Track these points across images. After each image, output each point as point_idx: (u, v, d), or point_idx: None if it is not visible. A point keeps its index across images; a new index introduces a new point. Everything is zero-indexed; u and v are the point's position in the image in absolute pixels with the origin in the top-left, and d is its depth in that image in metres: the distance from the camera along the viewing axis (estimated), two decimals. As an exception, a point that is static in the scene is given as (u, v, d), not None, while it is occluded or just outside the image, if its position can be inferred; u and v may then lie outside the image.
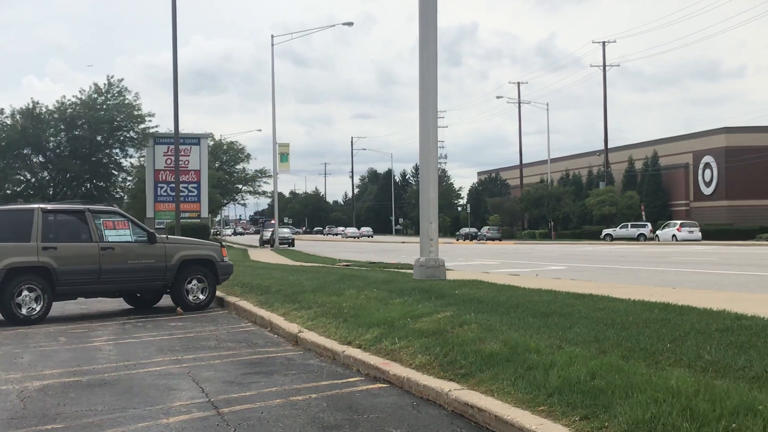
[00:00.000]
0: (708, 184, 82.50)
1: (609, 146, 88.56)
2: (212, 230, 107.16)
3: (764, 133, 79.73)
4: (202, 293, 16.87)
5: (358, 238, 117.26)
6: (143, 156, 60.81)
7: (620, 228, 74.60)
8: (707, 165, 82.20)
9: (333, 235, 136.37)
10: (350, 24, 56.77)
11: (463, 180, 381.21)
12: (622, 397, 5.88)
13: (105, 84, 57.02)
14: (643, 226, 73.00)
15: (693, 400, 5.57)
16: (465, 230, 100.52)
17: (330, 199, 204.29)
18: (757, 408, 5.29)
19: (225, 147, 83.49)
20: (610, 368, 6.75)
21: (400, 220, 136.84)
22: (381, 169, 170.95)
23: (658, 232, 70.93)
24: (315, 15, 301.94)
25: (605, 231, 75.92)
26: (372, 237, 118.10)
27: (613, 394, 6.01)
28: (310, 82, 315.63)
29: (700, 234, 66.28)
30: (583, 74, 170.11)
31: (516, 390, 6.72)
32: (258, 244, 77.93)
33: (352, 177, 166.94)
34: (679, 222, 69.70)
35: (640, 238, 71.56)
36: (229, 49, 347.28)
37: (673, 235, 67.08)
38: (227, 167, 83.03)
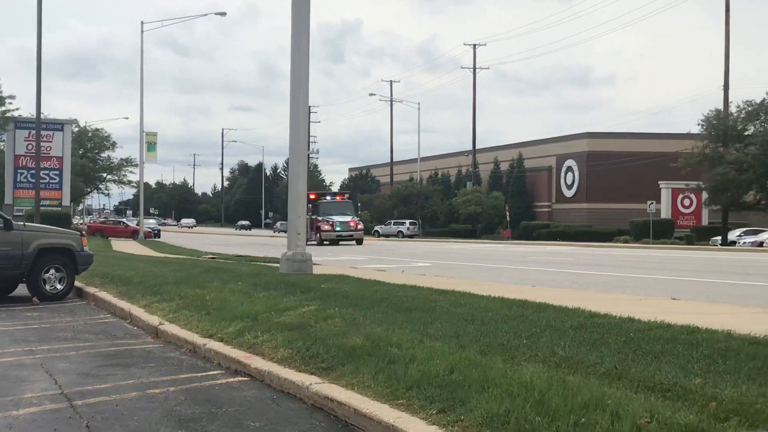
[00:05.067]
0: (570, 187, 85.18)
1: (478, 147, 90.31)
2: (80, 219, 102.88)
3: (624, 139, 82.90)
4: (60, 283, 16.34)
5: (192, 227, 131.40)
6: (2, 141, 58.44)
7: (385, 225, 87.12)
8: (569, 168, 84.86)
9: (168, 225, 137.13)
10: (223, 14, 56.08)
11: (338, 176, 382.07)
12: (478, 391, 5.98)
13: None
14: (402, 223, 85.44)
15: (546, 395, 5.71)
16: (243, 222, 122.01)
17: (199, 191, 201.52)
18: (606, 402, 5.46)
19: (90, 134, 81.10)
20: (468, 363, 6.87)
21: (270, 214, 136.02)
22: (254, 162, 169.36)
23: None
24: (200, 3, 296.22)
25: (375, 228, 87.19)
26: (193, 228, 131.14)
27: (469, 388, 6.11)
28: (190, 72, 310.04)
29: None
30: (460, 75, 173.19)
31: (376, 384, 6.76)
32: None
33: (221, 169, 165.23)
34: (407, 222, 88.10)
35: (399, 234, 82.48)
36: (108, 34, 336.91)
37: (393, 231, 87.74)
38: (92, 155, 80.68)
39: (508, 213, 78.89)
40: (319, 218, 53.95)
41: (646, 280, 20.06)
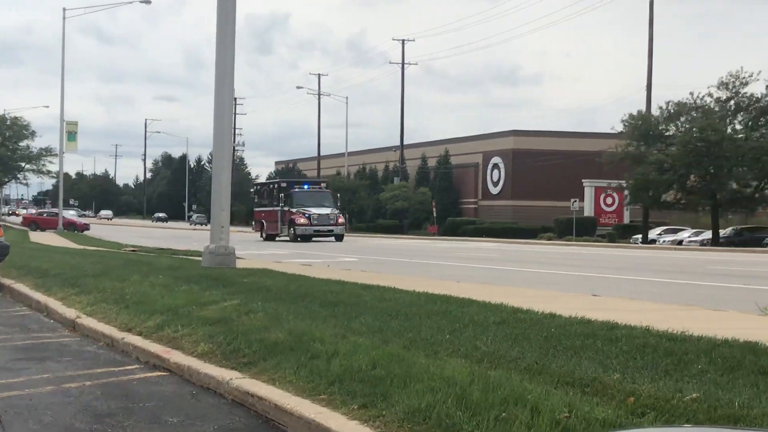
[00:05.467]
0: (495, 184, 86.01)
1: (406, 143, 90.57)
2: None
3: (549, 138, 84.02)
4: (-27, 275, 15.87)
5: (110, 219, 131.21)
6: None
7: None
8: (495, 165, 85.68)
9: (87, 216, 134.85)
10: (148, 2, 55.00)
11: (265, 169, 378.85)
12: (400, 386, 5.95)
13: None
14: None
15: (467, 390, 5.71)
16: (159, 214, 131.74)
17: (121, 183, 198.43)
18: (526, 397, 5.48)
19: (8, 122, 79.13)
20: (391, 358, 6.84)
21: (194, 207, 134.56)
22: (178, 153, 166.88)
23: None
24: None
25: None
26: (111, 219, 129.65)
27: (392, 383, 6.07)
28: (114, 61, 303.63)
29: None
30: (389, 70, 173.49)
31: (298, 379, 6.69)
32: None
33: (144, 160, 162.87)
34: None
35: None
36: (29, 21, 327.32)
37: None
38: (10, 144, 78.77)
39: (434, 209, 79.34)
40: (293, 210, 47.01)
41: (569, 277, 20.34)
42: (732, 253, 43.13)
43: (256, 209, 54.63)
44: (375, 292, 11.83)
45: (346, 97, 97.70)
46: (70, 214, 75.45)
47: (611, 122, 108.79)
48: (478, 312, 9.46)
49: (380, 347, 7.35)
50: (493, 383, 5.85)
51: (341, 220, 48.47)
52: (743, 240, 55.19)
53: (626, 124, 57.82)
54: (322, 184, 53.95)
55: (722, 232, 57.00)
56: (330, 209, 47.68)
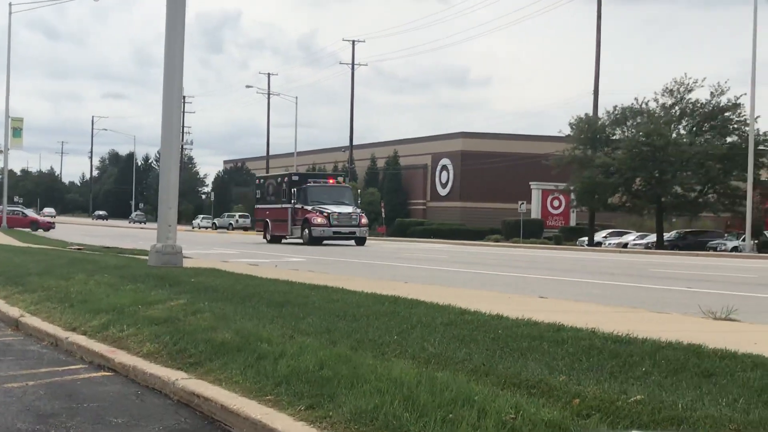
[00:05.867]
0: (444, 186, 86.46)
1: (356, 143, 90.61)
2: None
3: (498, 140, 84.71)
4: None
5: (54, 217, 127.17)
6: None
7: (220, 218, 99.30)
8: (444, 167, 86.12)
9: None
10: (97, -2, 54.35)
11: (213, 168, 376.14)
12: (347, 387, 5.94)
13: None
14: (232, 216, 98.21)
15: (414, 391, 5.71)
16: (99, 212, 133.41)
17: (67, 180, 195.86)
18: (473, 399, 5.49)
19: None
20: (338, 359, 6.82)
21: (141, 205, 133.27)
22: (126, 151, 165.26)
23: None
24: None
25: (213, 220, 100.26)
26: (54, 217, 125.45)
27: (339, 384, 6.06)
28: (62, 57, 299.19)
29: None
30: (339, 70, 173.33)
31: (245, 379, 6.64)
32: None
33: (91, 157, 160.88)
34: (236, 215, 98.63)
35: (230, 226, 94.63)
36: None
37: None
38: (-48, 139, 77.22)
39: (383, 209, 79.40)
40: (308, 208, 41.49)
41: (516, 279, 20.48)
42: (676, 256, 43.81)
43: (259, 206, 48.63)
44: (323, 292, 11.80)
45: (296, 97, 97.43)
46: (31, 212, 74.22)
47: (559, 126, 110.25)
48: (425, 313, 9.48)
49: (328, 348, 7.33)
50: (440, 384, 5.85)
51: (364, 220, 42.72)
52: (687, 243, 56.15)
53: (573, 127, 58.48)
54: (340, 178, 47.55)
55: (666, 236, 57.93)
56: (351, 207, 42.22)
